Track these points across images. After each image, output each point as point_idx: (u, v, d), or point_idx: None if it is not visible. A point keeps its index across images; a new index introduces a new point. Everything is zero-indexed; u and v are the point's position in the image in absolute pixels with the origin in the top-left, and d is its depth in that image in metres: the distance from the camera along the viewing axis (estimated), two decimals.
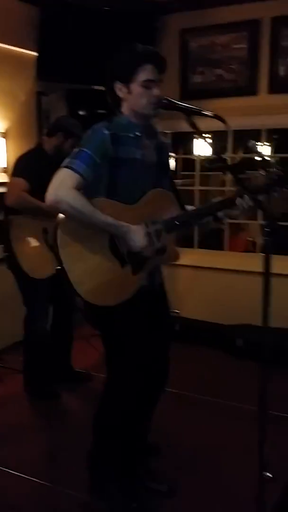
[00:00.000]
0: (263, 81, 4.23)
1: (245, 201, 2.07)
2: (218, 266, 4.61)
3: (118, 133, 2.06)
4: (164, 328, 2.41)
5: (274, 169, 2.07)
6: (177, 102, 2.00)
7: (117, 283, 2.10)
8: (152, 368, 2.29)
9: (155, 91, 2.06)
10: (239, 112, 4.33)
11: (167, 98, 2.01)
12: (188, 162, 6.13)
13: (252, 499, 2.03)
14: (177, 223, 2.16)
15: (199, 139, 5.84)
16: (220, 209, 2.16)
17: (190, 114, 1.99)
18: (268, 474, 2.51)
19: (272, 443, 2.65)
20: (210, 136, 6.45)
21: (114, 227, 2.03)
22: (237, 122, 4.37)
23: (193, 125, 1.97)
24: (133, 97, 2.08)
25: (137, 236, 2.06)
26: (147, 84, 2.05)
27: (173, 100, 2.01)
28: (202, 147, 6.45)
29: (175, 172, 7.18)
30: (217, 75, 4.38)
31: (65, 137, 3.24)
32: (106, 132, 2.03)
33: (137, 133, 2.12)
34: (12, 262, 3.22)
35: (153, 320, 2.26)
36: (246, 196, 2.05)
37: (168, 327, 2.46)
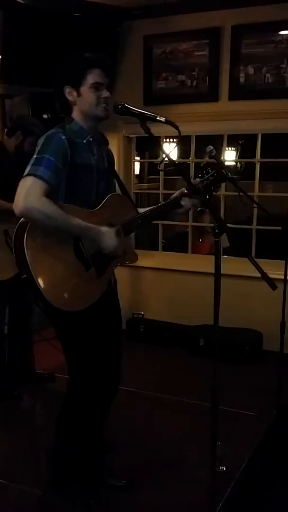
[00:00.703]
0: (224, 88, 4.33)
1: (189, 201, 2.26)
2: (182, 268, 4.69)
3: (73, 139, 2.10)
4: (116, 326, 2.47)
5: (209, 170, 2.25)
6: (132, 107, 2.06)
7: (83, 288, 2.13)
8: (108, 368, 2.35)
9: (104, 93, 2.14)
10: (200, 118, 4.44)
11: (122, 103, 2.06)
12: (155, 166, 6.22)
13: (205, 493, 2.09)
14: (139, 222, 2.26)
15: (165, 144, 5.95)
16: (170, 209, 2.31)
17: (144, 119, 2.04)
18: (222, 467, 2.61)
19: (229, 438, 2.75)
20: (174, 141, 6.58)
21: (87, 230, 2.07)
22: (198, 128, 4.49)
23: (147, 130, 2.03)
24: (83, 99, 2.14)
25: (110, 237, 2.11)
26: (96, 86, 2.12)
27: (127, 106, 2.06)
28: (167, 152, 6.56)
29: (141, 176, 7.28)
30: (180, 81, 4.46)
31: (24, 136, 3.25)
32: (63, 137, 2.07)
33: (90, 139, 2.17)
34: None
35: (107, 319, 2.32)
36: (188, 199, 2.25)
37: (119, 324, 2.51)
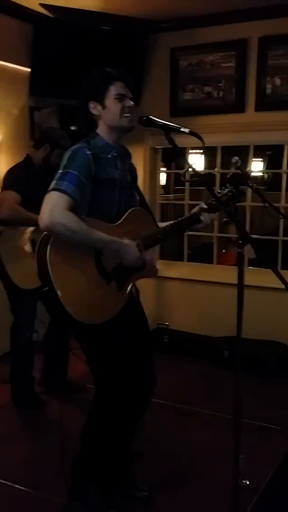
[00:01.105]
0: (251, 99, 4.34)
1: (208, 216, 2.28)
2: (206, 279, 4.67)
3: (98, 154, 2.14)
4: (146, 338, 2.46)
5: (228, 186, 2.27)
6: (156, 119, 2.09)
7: (104, 301, 2.15)
8: (140, 381, 2.35)
9: (128, 103, 2.18)
10: (227, 129, 4.44)
11: (147, 115, 2.09)
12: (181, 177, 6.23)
13: (228, 507, 2.07)
14: (159, 236, 2.28)
15: (192, 155, 5.96)
16: (190, 225, 2.33)
17: (168, 131, 2.07)
18: (245, 481, 2.58)
19: (253, 451, 2.72)
20: (201, 152, 6.58)
21: (109, 243, 2.11)
22: (225, 139, 4.49)
23: (171, 141, 2.05)
24: (108, 111, 2.18)
25: (131, 249, 2.14)
26: (120, 97, 2.17)
27: (152, 117, 2.09)
28: (194, 163, 6.57)
29: (167, 187, 7.30)
30: (206, 93, 4.48)
31: (52, 148, 3.30)
32: (88, 152, 2.11)
33: (114, 154, 2.21)
34: (1, 272, 3.28)
35: (132, 330, 2.32)
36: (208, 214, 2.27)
37: (149, 336, 2.51)
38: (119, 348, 2.23)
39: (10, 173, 3.37)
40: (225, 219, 5.20)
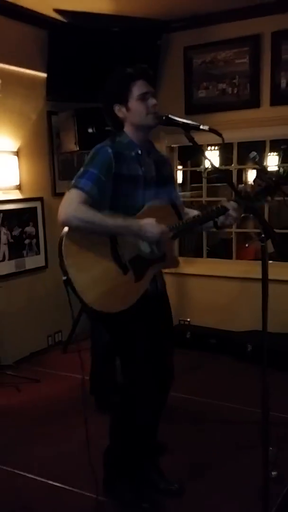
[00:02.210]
0: (265, 94, 4.35)
1: (235, 209, 2.20)
2: (226, 275, 4.70)
3: (121, 151, 2.19)
4: (167, 331, 2.51)
5: (263, 178, 2.19)
6: (175, 118, 2.13)
7: (121, 290, 2.20)
8: (159, 371, 2.39)
9: (152, 101, 2.21)
10: (242, 125, 4.46)
11: (166, 115, 2.14)
12: (198, 174, 6.27)
13: (257, 498, 2.10)
14: (180, 230, 2.27)
15: (207, 152, 5.99)
16: (213, 217, 2.26)
17: (188, 129, 2.11)
18: (274, 473, 2.61)
19: (281, 445, 2.74)
20: (216, 148, 6.61)
21: (127, 227, 2.16)
22: (240, 135, 4.51)
23: (191, 139, 2.10)
24: (133, 112, 2.22)
25: (151, 226, 2.16)
26: (143, 97, 2.20)
27: (171, 117, 2.13)
28: (211, 160, 6.61)
29: (184, 184, 7.35)
30: (220, 90, 4.51)
31: None
32: (110, 150, 2.16)
33: (138, 151, 2.26)
34: None
35: (157, 323, 2.37)
36: (235, 204, 2.18)
37: (171, 330, 2.55)
38: (136, 335, 2.28)
39: None
40: (243, 215, 5.21)
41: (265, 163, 4.60)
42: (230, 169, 4.85)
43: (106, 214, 2.13)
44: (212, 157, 6.70)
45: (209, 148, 6.33)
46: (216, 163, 6.58)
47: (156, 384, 2.38)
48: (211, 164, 2.10)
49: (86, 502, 2.50)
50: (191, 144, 2.09)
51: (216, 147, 6.58)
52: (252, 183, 2.28)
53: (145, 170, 2.28)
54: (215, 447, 3.01)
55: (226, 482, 2.66)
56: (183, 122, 2.12)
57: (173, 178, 2.53)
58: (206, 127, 2.08)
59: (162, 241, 2.22)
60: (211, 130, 2.08)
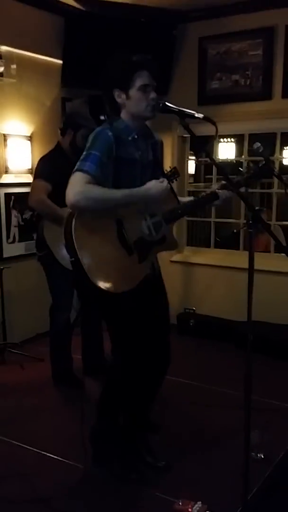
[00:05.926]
0: (278, 86, 4.36)
1: (225, 193, 2.40)
2: (232, 265, 4.74)
3: (119, 135, 2.26)
4: (163, 316, 2.59)
5: (251, 165, 2.30)
6: (171, 105, 2.18)
7: (126, 272, 2.29)
8: (154, 353, 2.48)
9: (152, 94, 2.26)
10: (254, 117, 4.49)
11: (163, 102, 2.20)
12: (211, 165, 6.28)
13: (241, 476, 2.16)
14: (179, 212, 2.44)
15: (221, 143, 6.01)
16: (208, 201, 2.46)
17: (183, 116, 2.16)
18: (260, 455, 2.69)
19: (272, 429, 2.80)
20: (232, 140, 6.61)
21: (133, 195, 2.25)
22: (252, 126, 4.54)
23: (186, 126, 2.15)
24: (132, 101, 2.27)
25: (155, 185, 2.27)
26: (144, 88, 2.25)
27: (167, 104, 2.19)
28: (225, 151, 6.62)
29: (198, 175, 7.37)
30: (234, 81, 4.53)
31: (74, 131, 3.39)
32: (110, 133, 2.24)
33: (135, 136, 2.32)
34: (45, 256, 3.37)
35: (153, 307, 2.46)
36: (228, 193, 2.39)
37: (167, 315, 2.63)
38: (134, 317, 2.36)
39: (40, 162, 3.51)
40: (257, 208, 5.22)
41: (276, 155, 4.62)
42: (241, 160, 4.87)
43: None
44: (228, 149, 6.72)
45: (224, 140, 6.34)
46: (232, 155, 6.59)
47: (150, 366, 2.47)
48: (209, 156, 2.19)
49: (79, 473, 2.61)
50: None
51: (232, 139, 6.59)
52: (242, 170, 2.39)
53: (142, 155, 2.36)
54: (208, 429, 3.08)
55: (213, 461, 2.74)
56: (179, 109, 2.17)
57: (162, 161, 2.61)
58: (200, 115, 2.12)
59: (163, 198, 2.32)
60: (205, 118, 2.11)
